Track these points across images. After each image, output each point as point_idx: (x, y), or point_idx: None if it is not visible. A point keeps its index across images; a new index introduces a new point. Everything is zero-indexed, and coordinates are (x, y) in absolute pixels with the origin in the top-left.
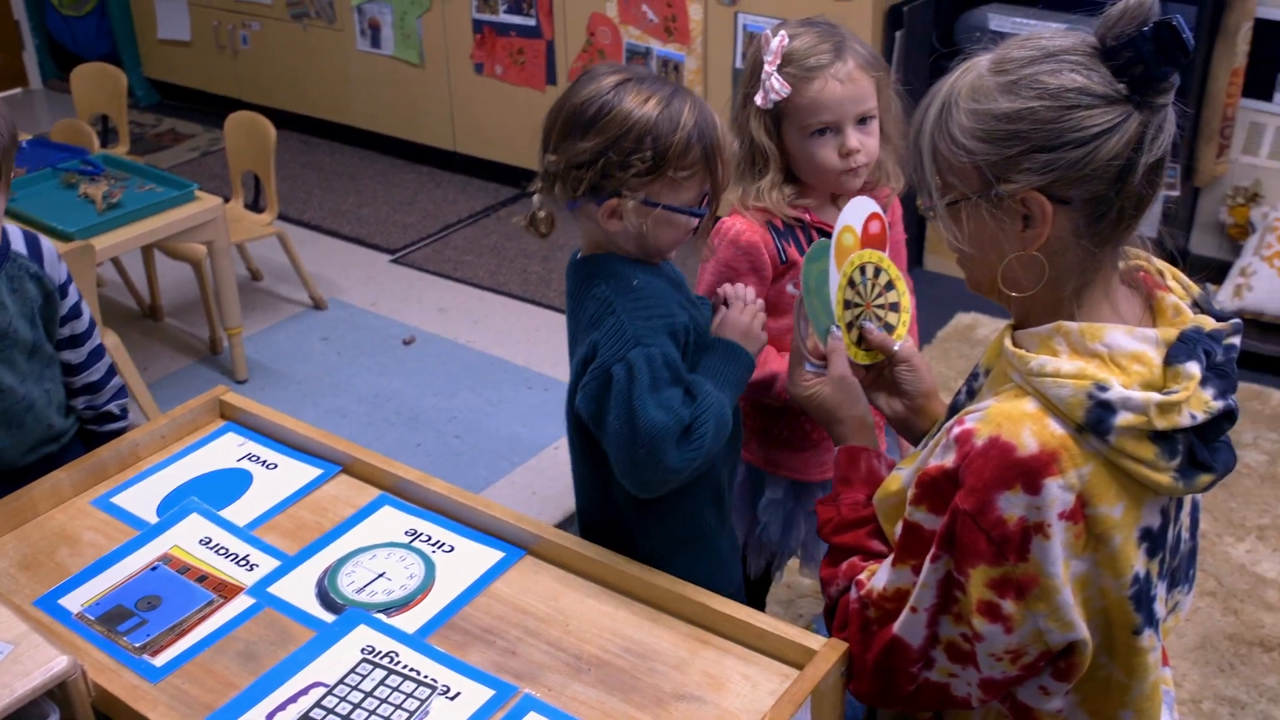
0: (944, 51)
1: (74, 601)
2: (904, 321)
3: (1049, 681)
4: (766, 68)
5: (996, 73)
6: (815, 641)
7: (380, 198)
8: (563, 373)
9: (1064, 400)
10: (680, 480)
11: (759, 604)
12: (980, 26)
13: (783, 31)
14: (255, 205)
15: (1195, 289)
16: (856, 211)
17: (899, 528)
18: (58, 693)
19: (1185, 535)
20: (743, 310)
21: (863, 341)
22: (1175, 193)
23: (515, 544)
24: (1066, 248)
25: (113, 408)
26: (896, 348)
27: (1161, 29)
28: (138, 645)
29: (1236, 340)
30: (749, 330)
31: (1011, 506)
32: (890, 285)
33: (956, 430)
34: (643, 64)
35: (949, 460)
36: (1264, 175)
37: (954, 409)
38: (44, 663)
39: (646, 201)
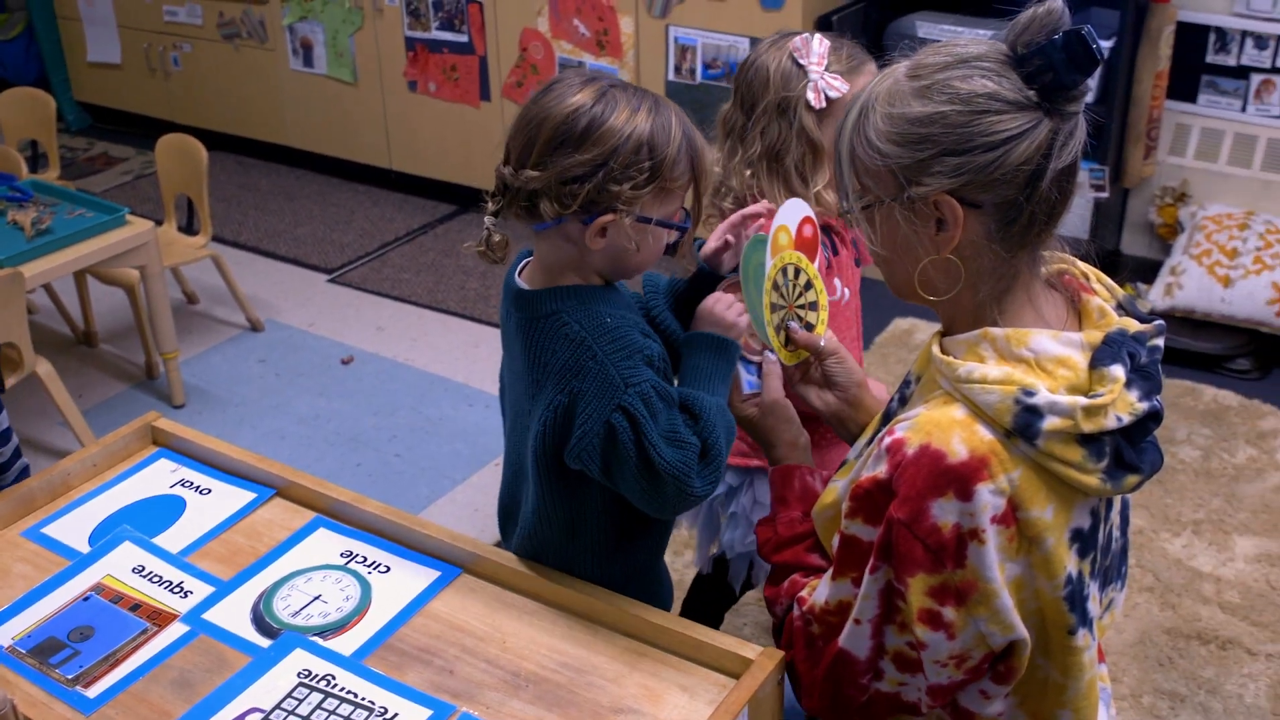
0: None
1: (4, 635)
2: (822, 320)
3: (989, 685)
4: (814, 69)
5: (911, 78)
6: (751, 650)
7: (316, 217)
8: None
9: (991, 406)
10: (704, 498)
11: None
12: (908, 33)
13: (818, 34)
14: (189, 228)
15: (1120, 291)
16: (793, 213)
17: (836, 541)
18: None
19: (1116, 534)
20: (717, 301)
21: (790, 343)
22: (1105, 194)
23: (451, 563)
24: (980, 252)
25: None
26: (822, 343)
27: (1072, 38)
28: (70, 677)
29: (1160, 342)
30: (734, 324)
31: (945, 514)
32: (809, 285)
33: (887, 440)
34: None
35: (881, 471)
36: (1191, 175)
37: (887, 417)
38: None
39: (640, 217)
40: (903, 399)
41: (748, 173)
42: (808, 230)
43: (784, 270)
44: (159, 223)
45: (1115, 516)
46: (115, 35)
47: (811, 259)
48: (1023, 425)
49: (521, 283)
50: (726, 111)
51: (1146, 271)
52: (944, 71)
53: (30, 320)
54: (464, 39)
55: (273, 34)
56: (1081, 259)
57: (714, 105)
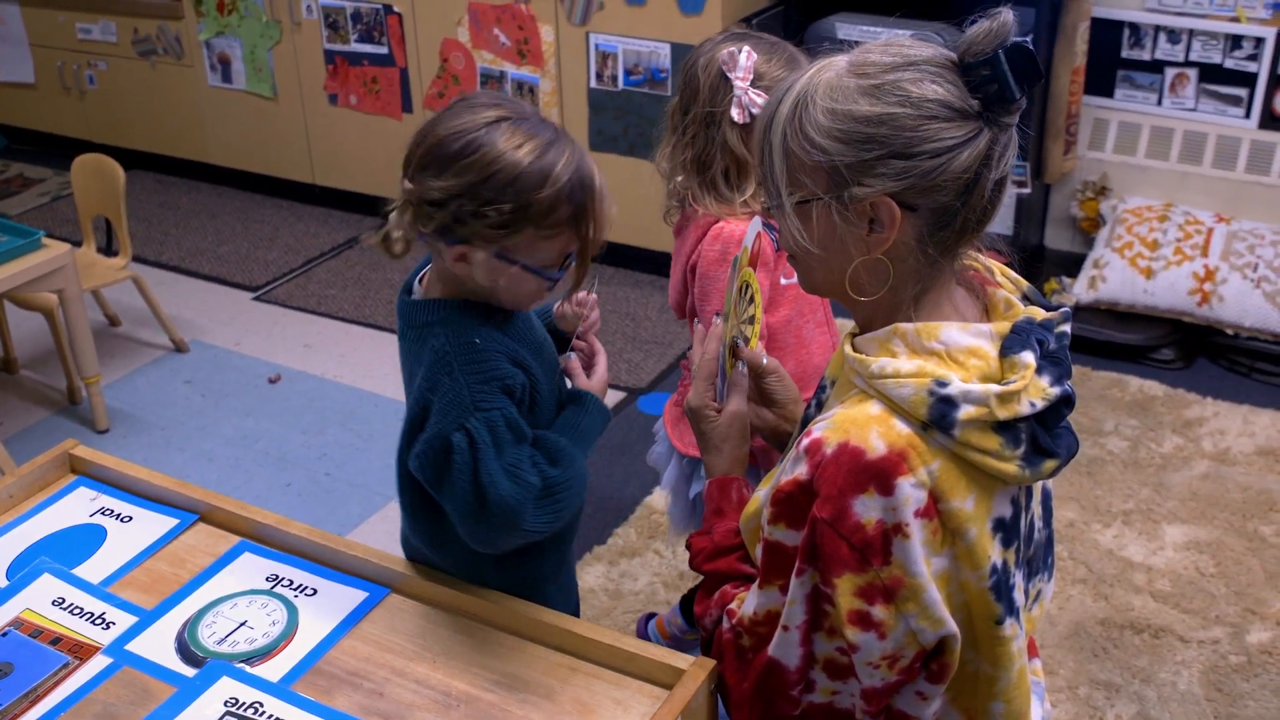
0: None
1: None
2: (756, 333)
3: (925, 686)
4: (739, 84)
5: (858, 75)
6: (683, 661)
7: (240, 235)
8: None
9: (906, 399)
10: (534, 539)
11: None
12: (828, 35)
13: (745, 48)
14: (108, 249)
15: (1024, 283)
16: (752, 232)
17: (760, 549)
18: None
19: (1039, 524)
20: (597, 365)
21: (736, 359)
22: (1026, 190)
23: (379, 583)
24: (909, 254)
25: None
26: (764, 361)
27: (1017, 51)
28: None
29: (1067, 328)
30: (606, 384)
31: (868, 510)
32: (751, 299)
33: (805, 441)
34: (497, 88)
35: (801, 472)
36: (1111, 169)
37: (804, 422)
38: None
39: (499, 255)
40: (819, 404)
41: (680, 177)
42: (762, 246)
43: (741, 289)
44: (77, 244)
45: (1036, 507)
46: (28, 54)
47: (763, 271)
48: (938, 416)
49: (417, 290)
50: (672, 106)
51: (1070, 265)
52: (894, 72)
53: None
54: (384, 51)
55: (189, 50)
56: (994, 254)
57: (636, 112)
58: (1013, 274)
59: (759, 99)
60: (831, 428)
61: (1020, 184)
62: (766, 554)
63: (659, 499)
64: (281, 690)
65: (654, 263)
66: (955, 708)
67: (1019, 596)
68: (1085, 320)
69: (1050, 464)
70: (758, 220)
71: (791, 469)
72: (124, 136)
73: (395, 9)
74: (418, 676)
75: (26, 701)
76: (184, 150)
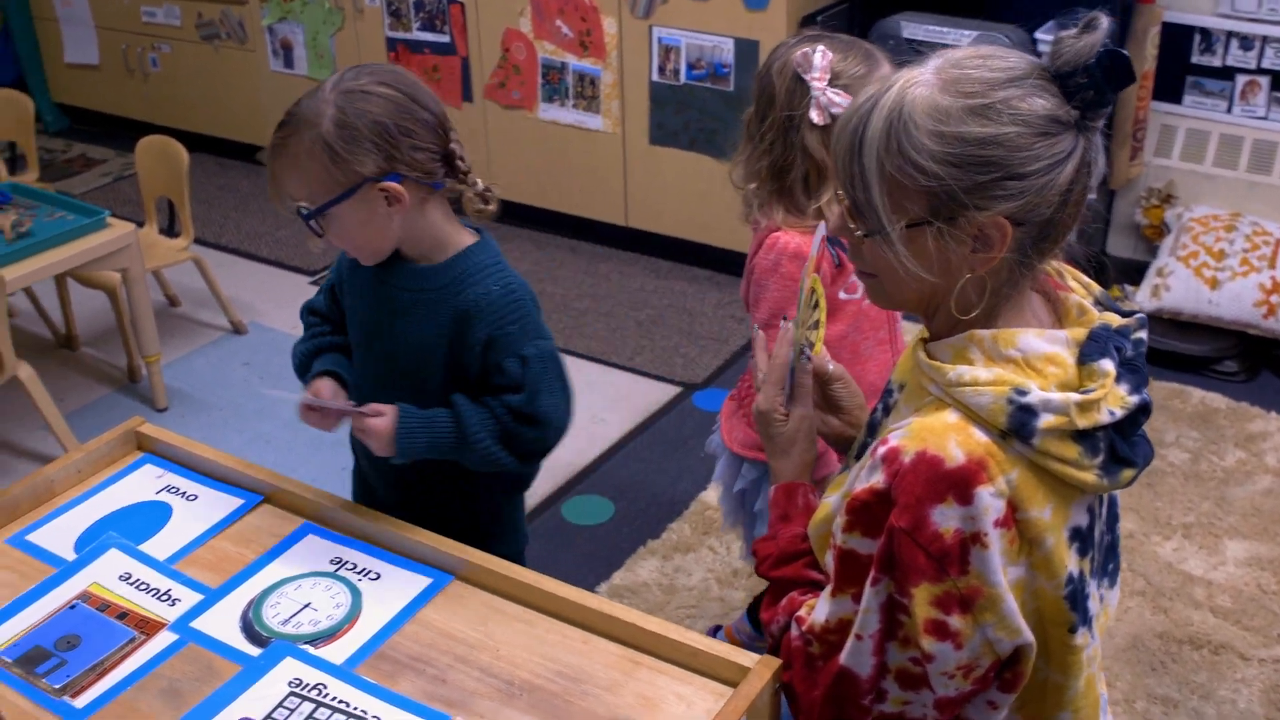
0: None
1: None
2: (820, 338)
3: (996, 695)
4: (816, 85)
5: (960, 94)
6: (749, 659)
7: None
8: None
9: (985, 408)
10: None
11: None
12: (893, 34)
13: (820, 47)
14: (170, 230)
15: (1096, 287)
16: (818, 237)
17: (832, 557)
18: None
19: (1103, 529)
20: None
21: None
22: (1093, 196)
23: (442, 569)
24: (1002, 266)
25: None
26: (830, 367)
27: (1113, 56)
28: (57, 687)
29: (1144, 334)
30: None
31: (946, 520)
32: (816, 304)
33: (882, 450)
34: (558, 79)
35: (878, 480)
36: (1177, 176)
37: (871, 427)
38: None
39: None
40: (886, 408)
41: (753, 185)
42: (825, 261)
43: (808, 294)
44: (140, 225)
45: (1103, 511)
46: (93, 36)
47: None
48: (1018, 425)
49: None
50: (748, 116)
51: (1132, 273)
52: (1001, 90)
53: (10, 323)
54: (446, 39)
55: (252, 35)
56: (1069, 262)
57: (698, 106)
58: (1084, 278)
59: (838, 98)
60: (909, 436)
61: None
62: (839, 562)
63: (713, 494)
64: (345, 673)
65: (711, 258)
66: (1021, 716)
67: (1093, 605)
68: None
69: (1128, 473)
70: (823, 226)
71: (867, 477)
72: (185, 119)
73: None
74: (480, 664)
75: (94, 674)
76: (244, 134)
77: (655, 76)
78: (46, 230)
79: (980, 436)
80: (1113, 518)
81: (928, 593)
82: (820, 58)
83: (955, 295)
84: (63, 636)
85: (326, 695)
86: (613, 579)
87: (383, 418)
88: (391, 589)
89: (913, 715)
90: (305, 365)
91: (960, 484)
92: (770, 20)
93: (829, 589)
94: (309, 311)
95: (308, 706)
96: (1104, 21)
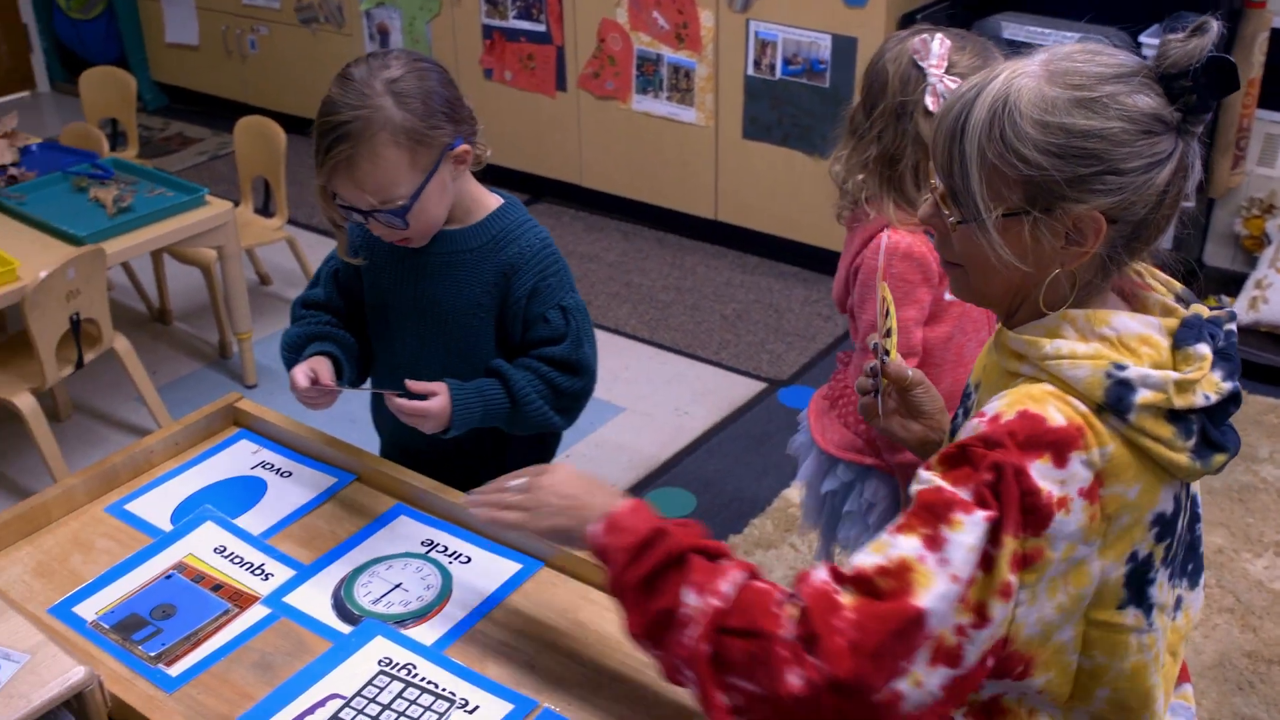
0: None
1: (88, 609)
2: (894, 344)
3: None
4: (933, 71)
5: (1067, 85)
6: None
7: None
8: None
9: (1081, 381)
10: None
11: None
12: (994, 34)
13: (938, 35)
14: (265, 210)
15: (1177, 285)
16: (883, 245)
17: (909, 497)
18: (74, 702)
19: (1184, 525)
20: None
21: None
22: (1190, 204)
23: (533, 555)
24: (1093, 262)
25: None
26: (909, 374)
27: (1218, 62)
28: (153, 654)
29: (1234, 326)
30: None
31: (1043, 478)
32: (888, 312)
33: (982, 417)
34: (653, 71)
35: (978, 432)
36: (1279, 187)
37: (953, 432)
38: (61, 673)
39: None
40: (966, 411)
41: (860, 176)
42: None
43: (882, 301)
44: (235, 203)
45: (1187, 505)
46: (194, 17)
47: (926, 286)
48: (1115, 399)
49: None
50: (853, 109)
51: (1229, 284)
52: (1108, 84)
53: (107, 297)
54: (542, 28)
55: (350, 19)
56: (1163, 269)
57: (793, 101)
58: (1163, 275)
59: (955, 85)
60: (1008, 402)
61: (1184, 196)
62: (921, 500)
63: (796, 492)
64: (434, 654)
65: (799, 254)
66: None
67: (1155, 593)
68: (1243, 342)
69: (1220, 458)
70: (886, 234)
71: (965, 435)
72: (280, 101)
73: None
74: (568, 651)
75: (189, 644)
76: None
77: (750, 71)
78: (147, 206)
79: (1079, 405)
80: (1194, 517)
81: (1010, 545)
82: (939, 45)
83: (1044, 289)
84: (158, 605)
85: (416, 675)
86: None
87: (437, 397)
88: (482, 573)
89: (906, 707)
90: (298, 347)
91: (1059, 444)
92: (869, 17)
93: (890, 529)
94: (303, 305)
95: (397, 686)
96: (1214, 26)
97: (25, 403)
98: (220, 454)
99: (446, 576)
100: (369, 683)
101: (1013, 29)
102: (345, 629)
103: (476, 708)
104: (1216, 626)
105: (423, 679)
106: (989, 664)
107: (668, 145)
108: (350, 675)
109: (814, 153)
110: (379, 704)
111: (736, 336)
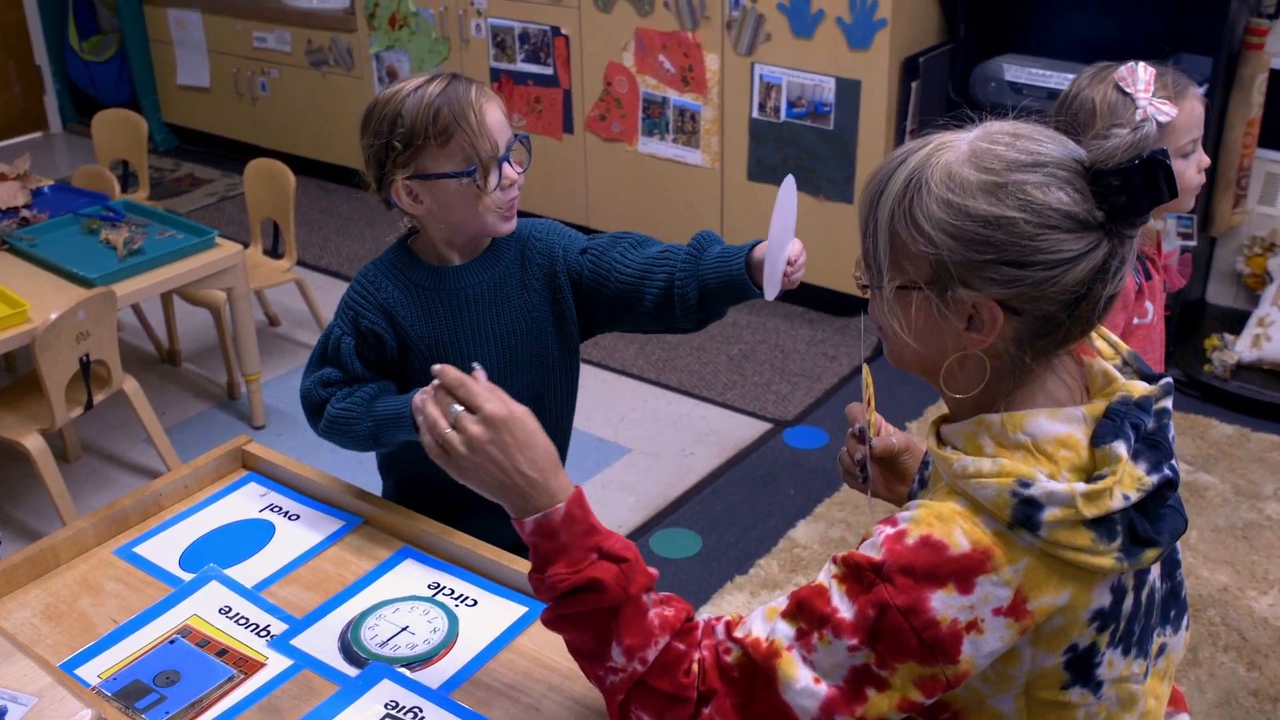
0: (959, 102)
1: (90, 673)
2: (873, 421)
3: None
4: (1142, 96)
5: (980, 169)
6: None
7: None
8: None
9: (990, 500)
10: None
11: None
12: (995, 77)
13: (1141, 64)
14: (274, 251)
15: (1124, 347)
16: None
17: (800, 588)
18: None
19: (1157, 584)
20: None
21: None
22: (1192, 243)
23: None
24: (1005, 353)
25: None
26: (894, 442)
27: (1155, 166)
28: None
29: (1168, 403)
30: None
31: (946, 608)
32: (867, 384)
33: (888, 531)
34: (659, 114)
35: (877, 555)
36: None
37: (912, 497)
38: (68, 717)
39: (415, 176)
40: (922, 481)
41: None
42: (1128, 283)
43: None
44: (245, 245)
45: (1152, 573)
46: (205, 59)
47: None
48: (1022, 518)
49: None
50: None
51: (1232, 322)
52: (1019, 172)
53: (117, 339)
54: (549, 71)
55: (359, 62)
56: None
57: (797, 144)
58: (1113, 337)
59: (1165, 106)
60: (915, 521)
61: (1186, 236)
62: (813, 595)
63: (801, 532)
64: (441, 697)
65: (805, 295)
66: None
67: (1104, 671)
68: (1247, 380)
69: (1151, 553)
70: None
71: (868, 551)
72: (290, 143)
73: (563, 31)
74: (574, 694)
75: (192, 711)
76: (348, 159)
77: (755, 113)
78: (157, 248)
79: (987, 526)
80: (1172, 564)
81: (913, 672)
82: (1144, 71)
83: (944, 371)
84: (162, 672)
85: (422, 718)
86: (700, 613)
87: None
88: (488, 616)
89: None
90: (377, 398)
91: (961, 572)
92: (873, 60)
93: (776, 608)
94: (324, 384)
95: None
96: (1150, 127)
97: (34, 444)
98: (229, 497)
99: (453, 620)
100: None
101: (1014, 70)
102: (352, 672)
103: None
104: (1221, 665)
105: None
106: None
107: (673, 187)
108: (357, 718)
109: (819, 194)
110: None
111: (742, 377)
